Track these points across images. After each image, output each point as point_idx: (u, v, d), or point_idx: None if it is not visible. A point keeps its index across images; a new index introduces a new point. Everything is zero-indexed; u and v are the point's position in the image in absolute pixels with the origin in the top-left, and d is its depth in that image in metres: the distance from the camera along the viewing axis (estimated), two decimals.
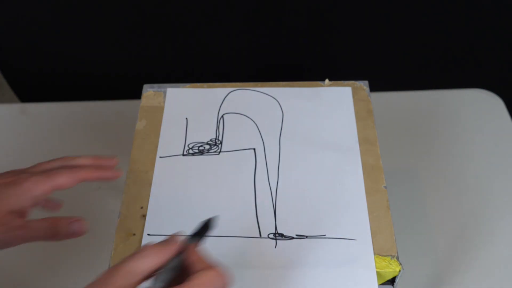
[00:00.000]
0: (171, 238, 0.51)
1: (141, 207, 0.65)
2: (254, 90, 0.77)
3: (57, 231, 0.56)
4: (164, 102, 0.76)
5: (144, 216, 0.64)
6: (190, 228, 0.62)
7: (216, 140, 0.72)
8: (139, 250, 0.48)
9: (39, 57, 1.24)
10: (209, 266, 0.48)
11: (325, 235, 0.62)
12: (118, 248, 0.61)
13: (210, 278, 0.47)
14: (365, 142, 0.71)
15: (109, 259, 0.61)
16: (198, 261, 0.49)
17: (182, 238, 0.51)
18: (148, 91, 0.78)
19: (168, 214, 0.64)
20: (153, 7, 1.15)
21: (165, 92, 0.77)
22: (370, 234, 0.62)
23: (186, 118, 0.74)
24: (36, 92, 1.30)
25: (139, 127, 0.73)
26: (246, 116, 0.74)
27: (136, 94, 0.84)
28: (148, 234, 0.62)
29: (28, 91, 1.31)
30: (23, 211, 0.56)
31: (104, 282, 0.46)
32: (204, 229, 0.53)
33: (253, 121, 0.74)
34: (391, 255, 0.60)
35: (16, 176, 0.57)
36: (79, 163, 0.62)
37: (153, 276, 0.48)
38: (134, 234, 0.62)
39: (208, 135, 0.72)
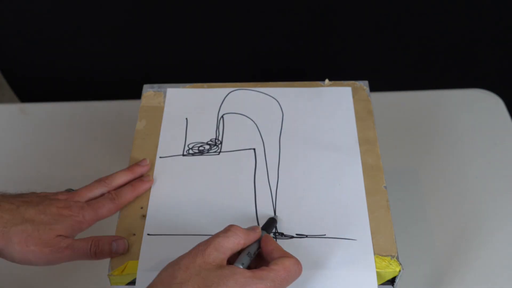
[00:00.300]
0: (254, 226, 0.56)
1: (141, 207, 0.65)
2: (254, 90, 0.77)
3: (100, 250, 0.60)
4: (164, 102, 0.76)
5: (144, 216, 0.64)
6: (190, 228, 0.62)
7: (216, 140, 0.71)
8: (227, 228, 0.53)
9: (39, 57, 1.25)
10: (288, 254, 0.53)
11: (325, 235, 0.62)
12: None
13: (291, 264, 0.52)
14: (365, 142, 0.71)
15: (109, 259, 0.60)
16: (277, 249, 0.54)
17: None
18: (148, 91, 0.78)
19: (168, 214, 0.64)
20: (153, 7, 1.15)
21: (165, 92, 0.77)
22: (370, 234, 0.62)
23: (186, 118, 0.74)
24: (36, 92, 1.30)
25: (139, 127, 0.73)
26: (246, 116, 0.74)
27: (136, 94, 0.84)
28: (148, 234, 0.62)
29: (28, 91, 1.31)
30: (71, 243, 0.60)
31: (199, 253, 0.51)
32: (271, 223, 0.60)
33: (253, 121, 0.73)
34: (391, 255, 0.60)
35: (69, 208, 0.61)
36: (117, 183, 0.66)
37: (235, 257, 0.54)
38: (134, 234, 0.62)
39: (208, 135, 0.72)
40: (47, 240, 0.58)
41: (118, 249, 0.60)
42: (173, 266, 0.51)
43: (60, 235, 0.59)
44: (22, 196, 0.62)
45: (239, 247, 0.54)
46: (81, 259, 0.60)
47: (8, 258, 0.59)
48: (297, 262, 0.53)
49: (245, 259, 0.53)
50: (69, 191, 0.66)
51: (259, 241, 0.56)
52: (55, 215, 0.60)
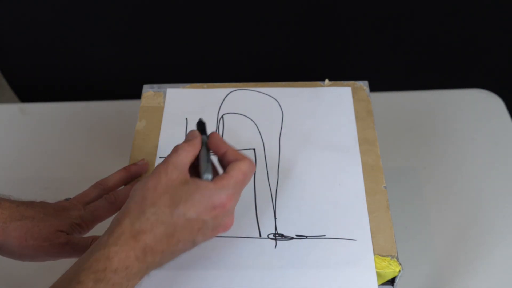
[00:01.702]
0: (191, 133, 0.59)
1: None
2: (254, 90, 0.77)
3: None
4: (163, 102, 0.76)
5: None
6: None
7: None
8: (174, 149, 0.56)
9: (39, 57, 1.25)
10: (240, 156, 0.56)
11: (325, 235, 0.62)
12: None
13: (246, 166, 0.55)
14: (365, 142, 0.71)
15: None
16: (229, 152, 0.57)
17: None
18: (148, 91, 0.78)
19: None
20: (153, 7, 1.15)
21: (165, 92, 0.77)
22: (370, 234, 0.62)
23: (186, 118, 0.74)
24: (36, 92, 1.30)
25: (139, 127, 0.73)
26: (246, 116, 0.74)
27: (136, 94, 0.84)
28: None
29: (28, 91, 1.31)
30: (71, 239, 0.61)
31: (162, 173, 0.53)
32: (201, 125, 0.61)
33: (253, 121, 0.73)
34: (391, 255, 0.60)
35: (67, 211, 0.62)
36: (113, 184, 0.67)
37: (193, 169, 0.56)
38: None
39: None
40: (46, 235, 0.59)
41: None
42: (142, 189, 0.53)
43: (60, 231, 0.60)
44: (21, 200, 0.63)
45: (192, 158, 0.56)
46: (76, 256, 0.60)
47: (7, 254, 0.60)
48: (251, 163, 0.56)
49: (206, 166, 0.56)
50: (67, 200, 0.66)
51: (206, 146, 0.58)
52: (54, 214, 0.61)
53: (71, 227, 0.61)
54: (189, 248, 0.54)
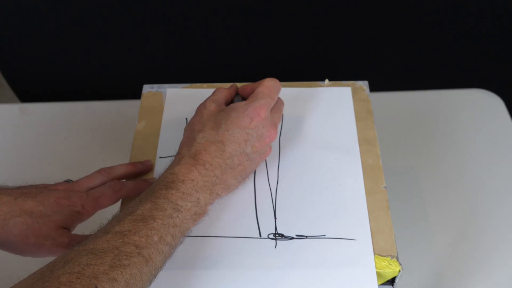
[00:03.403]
0: (231, 85, 0.69)
1: None
2: None
3: None
4: (163, 102, 0.76)
5: None
6: None
7: None
8: (213, 92, 0.66)
9: (39, 57, 1.24)
10: (263, 79, 0.64)
11: (325, 235, 0.62)
12: None
13: (267, 81, 0.64)
14: (364, 142, 0.71)
15: None
16: (253, 84, 0.65)
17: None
18: (148, 91, 0.78)
19: None
20: (153, 7, 1.15)
21: (164, 93, 0.77)
22: (370, 234, 0.62)
23: (186, 118, 0.74)
24: (36, 92, 1.30)
25: (139, 127, 0.73)
26: None
27: (136, 94, 0.84)
28: None
29: (28, 91, 1.31)
30: (70, 235, 0.61)
31: (202, 108, 0.63)
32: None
33: None
34: (391, 255, 0.60)
35: (68, 198, 0.61)
36: (118, 174, 0.67)
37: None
38: None
39: None
40: (47, 233, 0.59)
41: None
42: (189, 124, 0.63)
43: (60, 227, 0.60)
44: (21, 188, 0.62)
45: (227, 96, 0.66)
46: None
47: (9, 251, 0.60)
48: (272, 78, 0.64)
49: (238, 99, 0.67)
50: (68, 182, 0.65)
51: (238, 94, 0.68)
52: (53, 206, 0.60)
53: (72, 218, 0.61)
54: (248, 164, 0.62)
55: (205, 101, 0.64)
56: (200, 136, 0.60)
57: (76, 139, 0.99)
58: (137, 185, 0.65)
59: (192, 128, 0.62)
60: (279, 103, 0.66)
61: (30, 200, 0.60)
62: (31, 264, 0.78)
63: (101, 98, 1.07)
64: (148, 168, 0.68)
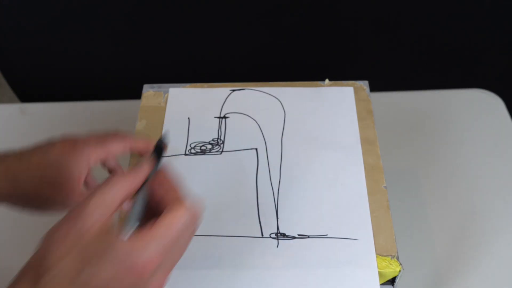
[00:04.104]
0: (142, 161, 0.50)
1: None
2: (256, 90, 0.77)
3: None
4: (163, 102, 0.76)
5: None
6: None
7: (218, 140, 0.72)
8: (107, 180, 0.45)
9: (39, 57, 1.24)
10: (179, 202, 0.46)
11: (327, 234, 0.62)
12: None
13: (181, 218, 0.44)
14: (365, 142, 0.71)
15: None
16: (168, 192, 0.47)
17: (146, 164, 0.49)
18: (148, 91, 0.78)
19: None
20: (153, 7, 1.15)
21: (165, 92, 0.77)
22: (372, 234, 0.62)
23: (188, 118, 0.74)
24: (36, 92, 1.30)
25: (139, 127, 0.73)
26: (248, 116, 0.74)
27: (136, 94, 0.84)
28: None
29: (28, 91, 1.31)
30: (80, 177, 0.59)
31: (78, 216, 0.42)
32: (159, 149, 0.53)
33: (255, 121, 0.74)
34: (391, 255, 0.60)
35: (72, 145, 0.60)
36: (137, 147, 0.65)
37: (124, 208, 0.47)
38: None
39: (210, 135, 0.72)
40: (59, 183, 0.58)
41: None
42: (49, 238, 0.43)
43: (71, 176, 0.58)
44: (27, 147, 0.62)
45: (126, 195, 0.46)
46: None
47: (26, 208, 0.60)
48: (188, 213, 0.45)
49: (133, 214, 0.45)
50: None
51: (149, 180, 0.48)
52: (59, 155, 0.59)
53: (80, 164, 0.59)
54: None
55: (88, 201, 0.43)
56: (51, 275, 0.41)
57: None
58: (144, 142, 0.63)
59: (48, 249, 0.42)
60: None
61: (36, 154, 0.60)
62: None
63: (101, 98, 1.07)
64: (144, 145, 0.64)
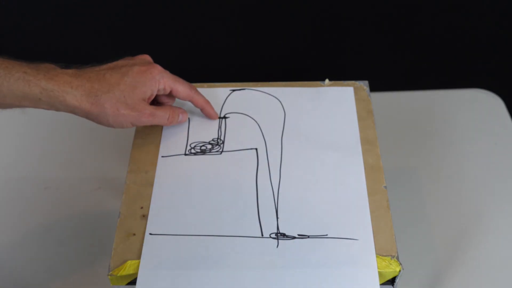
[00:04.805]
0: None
1: (141, 207, 0.65)
2: (256, 90, 0.77)
3: (172, 119, 0.70)
4: None
5: (144, 216, 0.64)
6: (192, 228, 0.63)
7: (218, 140, 0.72)
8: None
9: (39, 57, 1.24)
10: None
11: (327, 235, 0.62)
12: (118, 248, 0.61)
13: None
14: (365, 142, 0.71)
15: (109, 259, 0.60)
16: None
17: None
18: None
19: (170, 213, 0.64)
20: (153, 7, 1.15)
21: None
22: (372, 234, 0.62)
23: (188, 118, 0.74)
24: None
25: (139, 127, 0.73)
26: (248, 116, 0.74)
27: None
28: (150, 234, 0.62)
29: None
30: (150, 99, 0.68)
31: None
32: None
33: (255, 121, 0.74)
34: (391, 255, 0.60)
35: (148, 70, 0.68)
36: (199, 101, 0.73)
37: None
38: (134, 234, 0.62)
39: (210, 135, 0.72)
40: (133, 105, 0.65)
41: (182, 120, 0.72)
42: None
43: (143, 99, 0.67)
44: (107, 64, 0.69)
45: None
46: (158, 124, 0.70)
47: (105, 123, 0.66)
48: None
49: None
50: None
51: None
52: (136, 76, 0.67)
53: (152, 89, 0.67)
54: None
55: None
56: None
57: (76, 139, 0.99)
58: (207, 105, 0.72)
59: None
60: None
61: (116, 73, 0.66)
62: (31, 264, 0.79)
63: None
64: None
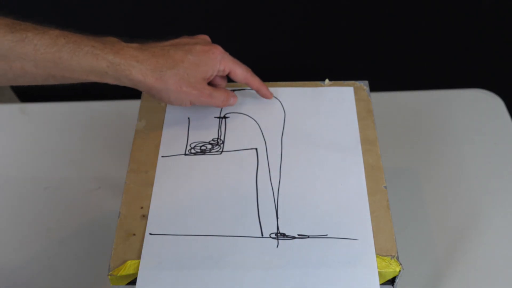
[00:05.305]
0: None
1: (141, 207, 0.65)
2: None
3: (227, 102, 0.71)
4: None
5: (144, 216, 0.64)
6: (192, 228, 0.63)
7: (218, 140, 0.72)
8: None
9: None
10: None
11: (327, 235, 0.62)
12: (118, 248, 0.61)
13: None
14: (365, 142, 0.71)
15: (109, 259, 0.61)
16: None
17: None
18: None
19: (170, 213, 0.64)
20: (153, 7, 1.15)
21: None
22: (372, 234, 0.62)
23: (188, 118, 0.74)
24: (36, 92, 1.30)
25: (139, 127, 0.73)
26: (248, 115, 0.74)
27: (136, 94, 0.84)
28: (150, 234, 0.62)
29: (28, 91, 1.31)
30: (209, 79, 0.69)
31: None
32: None
33: (255, 121, 0.74)
34: (391, 255, 0.60)
35: (210, 49, 0.69)
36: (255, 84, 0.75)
37: None
38: (134, 234, 0.62)
39: (210, 135, 0.72)
40: (194, 84, 0.67)
41: (233, 103, 0.73)
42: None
43: (203, 78, 0.68)
44: (171, 40, 0.71)
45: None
46: (213, 105, 0.71)
47: (165, 99, 0.67)
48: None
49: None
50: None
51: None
52: (200, 54, 0.67)
53: (212, 68, 0.68)
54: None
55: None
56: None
57: (76, 139, 0.99)
58: (262, 87, 0.74)
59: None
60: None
61: (180, 50, 0.67)
62: (31, 265, 0.79)
63: (101, 98, 1.07)
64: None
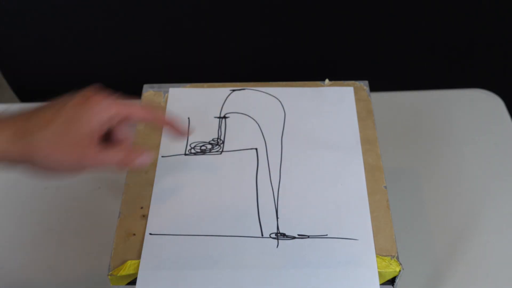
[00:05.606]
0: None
1: (141, 207, 0.65)
2: (256, 90, 0.77)
3: (127, 161, 0.58)
4: (164, 102, 0.76)
5: (144, 216, 0.64)
6: (192, 228, 0.63)
7: (218, 140, 0.72)
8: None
9: (39, 57, 1.24)
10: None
11: (327, 235, 0.62)
12: (118, 248, 0.61)
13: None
14: (365, 142, 0.71)
15: (109, 259, 0.61)
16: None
17: None
18: (148, 91, 0.78)
19: (170, 213, 0.64)
20: (154, 7, 1.15)
21: (165, 92, 0.77)
22: (372, 234, 0.62)
23: (188, 118, 0.74)
24: (36, 92, 1.30)
25: (139, 127, 0.73)
26: (248, 116, 0.74)
27: (136, 94, 0.84)
28: (150, 234, 0.62)
29: (28, 91, 1.31)
30: (93, 133, 0.56)
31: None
32: None
33: (255, 121, 0.74)
34: (391, 255, 0.60)
35: (88, 98, 0.57)
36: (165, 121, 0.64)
37: None
38: (134, 234, 0.62)
39: (210, 135, 0.72)
40: (75, 144, 0.55)
41: (143, 162, 0.59)
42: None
43: (87, 135, 0.56)
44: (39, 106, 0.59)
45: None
46: (108, 166, 0.58)
47: (41, 167, 0.56)
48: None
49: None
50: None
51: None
52: (74, 109, 0.56)
53: (98, 121, 0.56)
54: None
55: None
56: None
57: None
58: (175, 122, 0.63)
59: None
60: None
61: (51, 109, 0.56)
62: (31, 265, 0.79)
63: None
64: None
